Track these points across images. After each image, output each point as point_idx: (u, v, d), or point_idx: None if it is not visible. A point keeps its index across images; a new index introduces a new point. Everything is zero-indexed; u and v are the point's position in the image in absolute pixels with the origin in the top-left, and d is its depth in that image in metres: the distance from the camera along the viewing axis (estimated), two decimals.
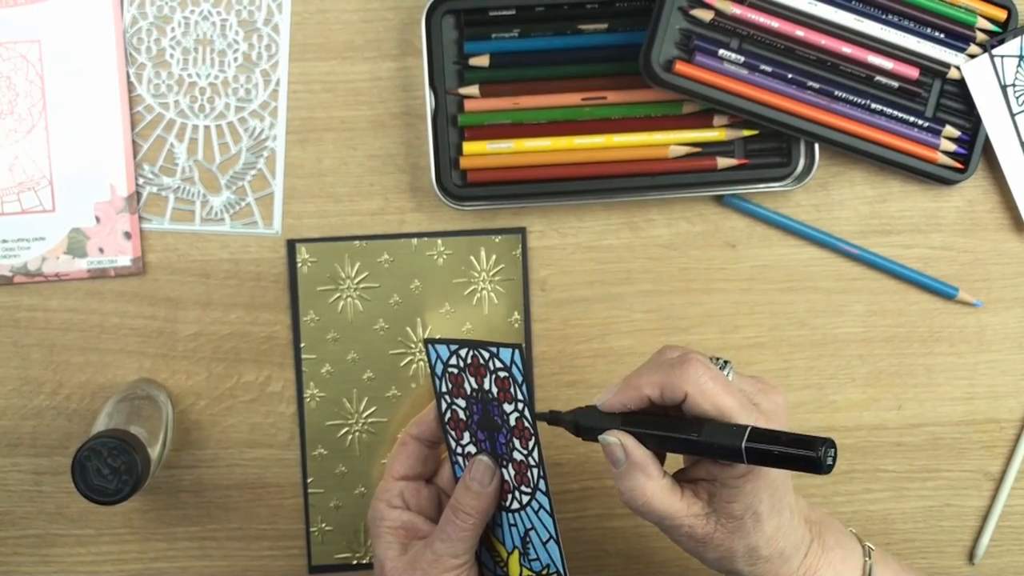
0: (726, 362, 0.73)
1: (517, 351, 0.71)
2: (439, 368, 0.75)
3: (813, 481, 0.93)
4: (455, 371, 0.74)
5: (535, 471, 0.73)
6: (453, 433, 0.76)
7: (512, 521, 0.76)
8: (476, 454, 0.76)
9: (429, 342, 0.75)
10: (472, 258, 0.91)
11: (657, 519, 0.71)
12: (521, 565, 0.77)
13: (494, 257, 0.91)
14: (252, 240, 0.90)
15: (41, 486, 0.91)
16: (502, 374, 0.72)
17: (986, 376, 0.94)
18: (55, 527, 0.92)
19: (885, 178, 0.92)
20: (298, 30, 0.89)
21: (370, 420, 0.92)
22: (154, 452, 0.82)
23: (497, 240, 0.91)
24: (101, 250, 0.89)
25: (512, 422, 0.73)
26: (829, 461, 0.64)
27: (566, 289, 0.92)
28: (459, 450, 0.77)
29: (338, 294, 0.91)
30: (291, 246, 0.90)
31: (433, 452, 0.80)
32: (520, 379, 0.71)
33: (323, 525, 0.92)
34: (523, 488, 0.74)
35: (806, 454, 0.65)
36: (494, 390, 0.73)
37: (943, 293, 0.92)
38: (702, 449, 0.68)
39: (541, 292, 0.92)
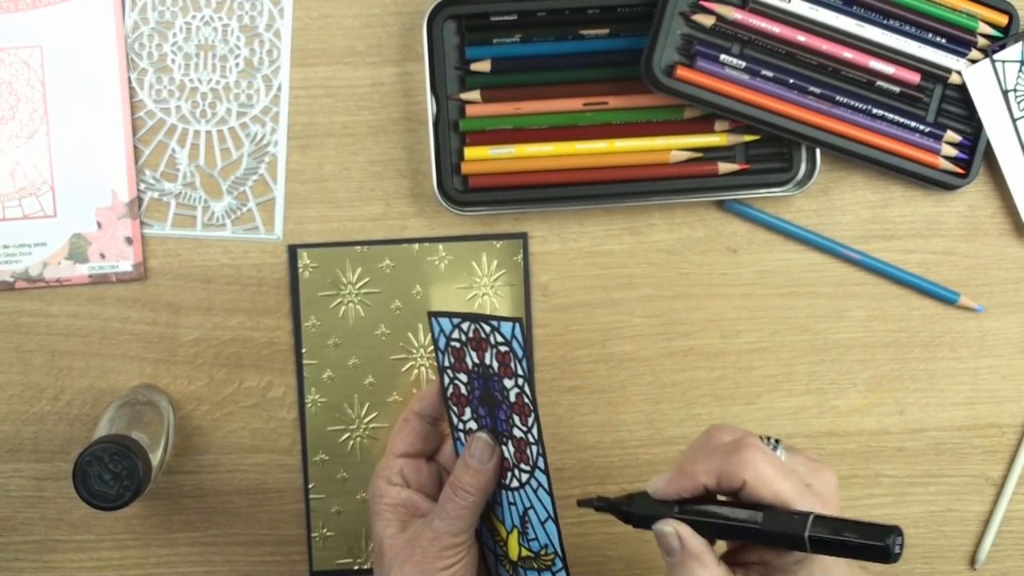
0: (777, 441, 0.72)
1: (517, 325, 0.70)
2: (442, 342, 0.75)
3: None
4: (457, 345, 0.74)
5: (534, 448, 0.73)
6: (455, 408, 0.76)
7: (511, 500, 0.76)
8: (476, 431, 0.76)
9: (433, 315, 0.75)
10: (473, 263, 0.91)
11: None
12: (520, 544, 0.77)
13: (495, 262, 0.91)
14: (253, 245, 0.90)
15: (42, 492, 0.91)
16: (503, 348, 0.72)
17: (988, 381, 0.94)
18: (56, 533, 0.92)
19: (886, 183, 0.92)
20: (300, 35, 0.89)
21: (371, 426, 0.92)
22: (155, 458, 0.82)
23: (498, 245, 0.91)
24: (102, 255, 0.89)
25: (512, 398, 0.73)
26: (897, 550, 0.63)
27: (567, 294, 0.92)
28: (460, 426, 0.77)
29: (339, 299, 0.91)
30: (292, 251, 0.90)
31: (435, 429, 0.80)
32: (520, 354, 0.71)
33: (324, 530, 0.92)
34: (522, 466, 0.74)
35: (873, 543, 0.64)
36: (495, 365, 0.73)
37: (944, 298, 0.92)
38: (763, 537, 0.67)
39: (542, 297, 0.92)
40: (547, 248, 0.91)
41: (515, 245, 0.91)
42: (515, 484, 0.75)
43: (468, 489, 0.75)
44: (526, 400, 0.72)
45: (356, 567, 0.93)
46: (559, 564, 0.76)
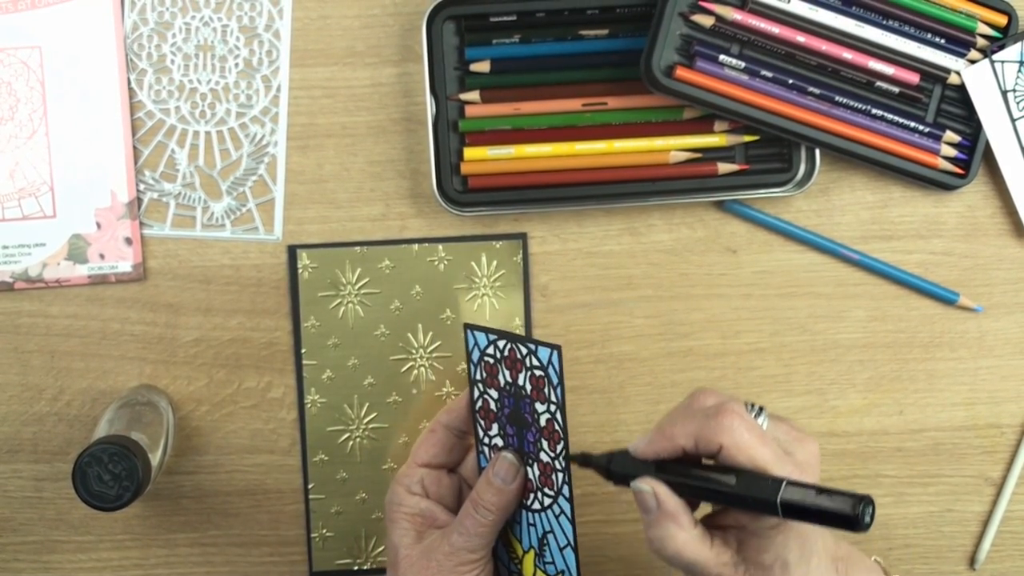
0: (761, 408, 0.72)
1: (556, 352, 0.70)
2: (475, 355, 0.74)
3: None
4: (491, 361, 0.74)
5: (560, 475, 0.73)
6: (482, 423, 0.76)
7: (531, 521, 0.76)
8: (502, 449, 0.76)
9: (469, 327, 0.75)
10: (473, 264, 0.91)
11: (686, 567, 0.70)
12: (536, 566, 0.77)
13: (495, 263, 0.91)
14: (253, 246, 0.90)
15: (42, 492, 0.91)
16: (538, 372, 0.72)
17: (987, 381, 0.94)
18: (56, 533, 0.92)
19: (886, 183, 0.92)
20: (299, 36, 0.89)
21: (371, 426, 0.92)
22: (155, 458, 0.82)
23: (498, 246, 0.91)
24: (102, 256, 0.89)
25: (543, 422, 0.73)
26: (867, 519, 0.63)
27: (567, 295, 0.92)
28: (486, 440, 0.77)
29: (339, 300, 0.91)
30: (292, 252, 0.90)
31: (460, 442, 0.80)
32: (556, 381, 0.71)
33: (324, 531, 0.92)
34: (546, 490, 0.74)
35: (843, 511, 0.63)
36: (528, 387, 0.73)
37: (944, 298, 0.92)
38: (736, 501, 0.67)
39: (542, 298, 0.92)
40: (547, 249, 0.91)
41: (515, 245, 0.91)
42: (537, 506, 0.75)
43: (489, 507, 0.75)
44: (557, 427, 0.72)
45: (356, 568, 0.93)
46: None
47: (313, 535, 0.92)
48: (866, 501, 0.63)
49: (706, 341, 0.92)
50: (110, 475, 0.77)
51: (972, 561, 0.95)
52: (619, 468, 0.72)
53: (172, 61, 0.89)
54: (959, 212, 0.93)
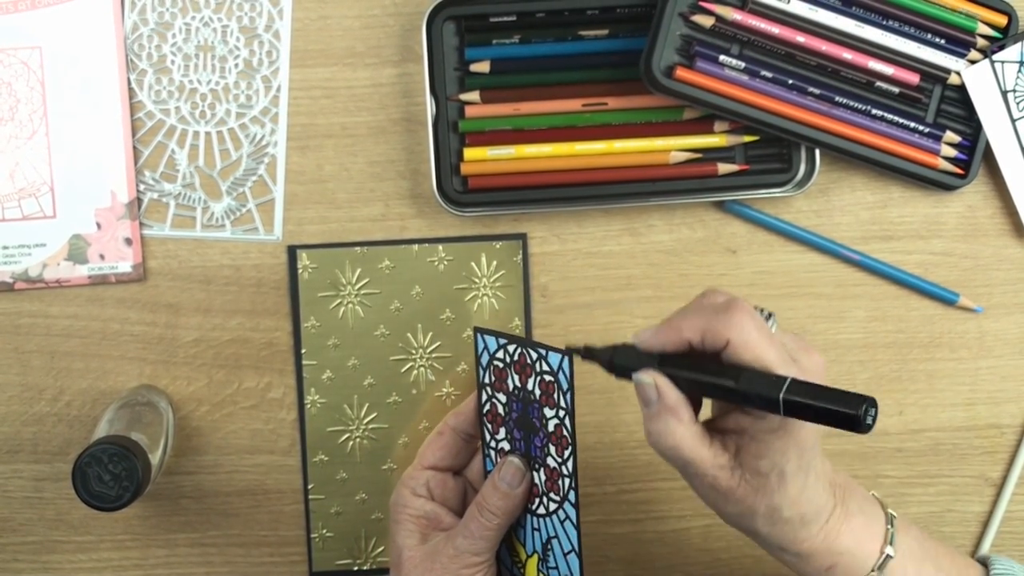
0: (770, 314, 0.71)
1: (567, 358, 0.70)
2: (485, 359, 0.74)
3: None
4: (500, 365, 0.74)
5: (567, 481, 0.73)
6: (490, 427, 0.76)
7: (536, 525, 0.76)
8: (508, 453, 0.76)
9: (479, 331, 0.75)
10: (473, 264, 0.91)
11: (682, 465, 0.69)
12: (539, 571, 0.77)
13: (495, 263, 0.91)
14: (253, 246, 0.90)
15: (42, 492, 0.91)
16: (548, 378, 0.72)
17: (987, 382, 0.94)
18: (56, 533, 0.92)
19: (886, 184, 0.92)
20: (299, 36, 0.89)
21: (371, 426, 0.92)
22: (155, 458, 0.82)
23: (498, 246, 0.91)
24: (102, 256, 0.89)
25: (551, 427, 0.73)
26: (869, 420, 0.62)
27: (567, 295, 0.92)
28: (493, 444, 0.77)
29: (339, 300, 0.91)
30: (292, 252, 0.90)
31: (467, 445, 0.80)
32: (566, 387, 0.71)
33: (324, 531, 0.92)
34: (552, 495, 0.74)
35: (846, 411, 0.62)
36: (537, 392, 0.73)
37: (944, 299, 0.92)
38: (739, 397, 0.66)
39: (542, 298, 0.92)
40: (546, 249, 0.91)
41: (514, 246, 0.91)
42: (542, 511, 0.75)
43: (494, 511, 0.75)
44: (565, 433, 0.72)
45: (355, 568, 0.93)
46: None
47: (313, 535, 0.92)
48: (869, 402, 0.62)
49: None
50: (110, 475, 0.77)
51: None
52: (621, 360, 0.71)
53: (172, 61, 0.89)
54: (959, 212, 0.93)
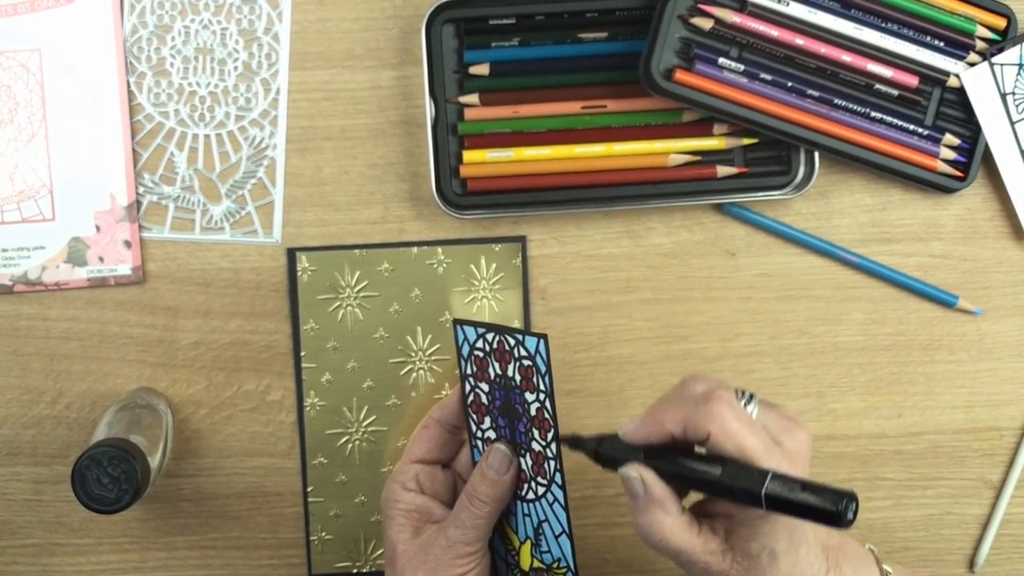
0: (751, 396, 0.72)
1: (543, 341, 0.71)
2: (465, 350, 0.75)
3: None
4: (481, 354, 0.74)
5: (552, 463, 0.74)
6: (475, 417, 0.77)
7: (527, 511, 0.76)
8: (495, 441, 0.76)
9: (458, 322, 0.75)
10: (472, 267, 0.91)
11: (673, 555, 0.70)
12: (532, 555, 0.77)
13: (494, 266, 0.91)
14: (252, 249, 0.90)
15: (41, 495, 0.91)
16: (526, 362, 0.72)
17: (986, 384, 0.94)
18: (55, 536, 0.92)
19: (885, 186, 0.92)
20: (298, 39, 0.89)
21: (370, 429, 0.92)
22: (154, 461, 0.82)
23: (497, 249, 0.91)
24: (101, 259, 0.89)
25: (533, 412, 0.73)
26: (850, 516, 0.63)
27: (566, 298, 0.92)
28: (479, 434, 0.77)
29: (338, 303, 0.91)
30: (291, 255, 0.90)
31: (454, 437, 0.80)
32: (544, 369, 0.72)
33: (323, 534, 0.92)
34: (540, 479, 0.74)
35: (825, 507, 0.63)
36: (517, 378, 0.73)
37: (943, 301, 0.92)
38: (722, 491, 0.67)
39: (541, 301, 0.92)
40: (546, 251, 0.91)
41: (514, 248, 0.91)
42: (531, 496, 0.76)
43: (484, 499, 0.75)
44: (546, 415, 0.73)
45: (355, 571, 0.93)
46: None
47: (312, 538, 0.92)
48: (849, 497, 0.63)
49: (705, 344, 0.92)
50: (109, 478, 0.77)
51: (971, 564, 0.95)
52: (608, 452, 0.72)
53: (171, 64, 0.89)
54: (958, 215, 0.93)
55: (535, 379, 0.73)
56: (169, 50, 0.89)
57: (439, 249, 0.91)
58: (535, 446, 0.74)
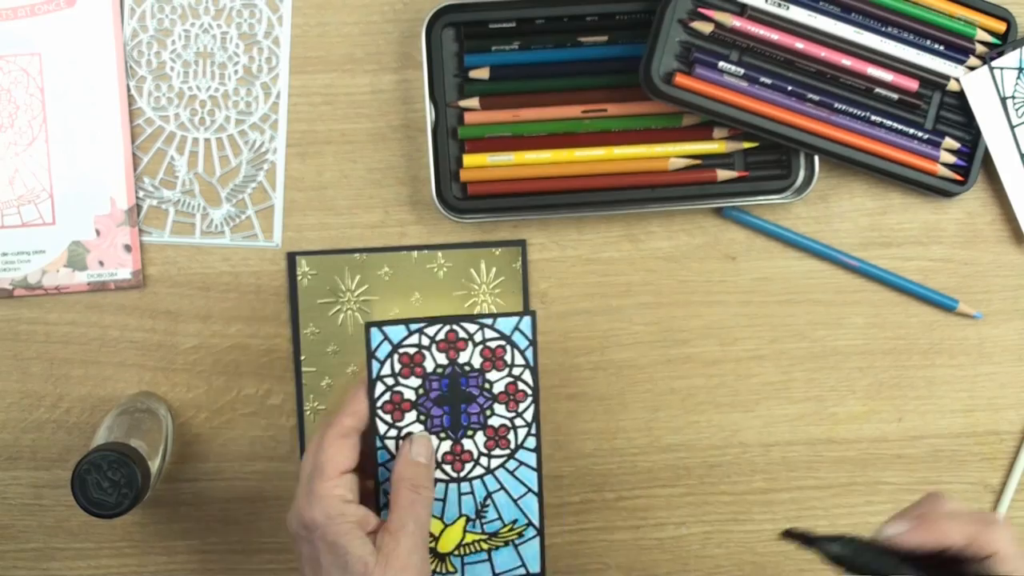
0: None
1: (524, 318, 0.76)
2: (383, 351, 0.77)
3: (813, 493, 0.93)
4: (413, 351, 0.76)
5: (521, 432, 0.77)
6: (388, 416, 0.77)
7: (465, 490, 0.78)
8: (418, 432, 0.77)
9: (375, 325, 0.76)
10: (472, 270, 0.91)
11: None
12: (465, 531, 0.78)
13: (494, 270, 0.91)
14: (252, 253, 0.90)
15: (41, 499, 0.91)
16: (494, 344, 0.76)
17: (986, 388, 0.94)
18: (55, 541, 0.92)
19: (885, 190, 0.92)
20: (298, 43, 0.89)
21: None
22: (154, 465, 0.82)
23: (497, 252, 0.91)
24: (101, 263, 0.89)
25: (498, 389, 0.77)
26: None
27: (566, 301, 0.92)
28: (392, 433, 0.78)
29: (338, 307, 0.91)
30: (291, 259, 0.90)
31: (359, 443, 0.78)
32: (524, 345, 0.76)
33: None
34: (496, 452, 0.77)
35: None
36: (477, 361, 0.76)
37: (943, 305, 0.92)
38: None
39: (541, 304, 0.91)
40: (546, 255, 0.91)
41: (514, 252, 0.91)
42: (478, 472, 0.77)
43: (428, 485, 0.75)
44: (522, 387, 0.76)
45: None
46: (531, 532, 0.78)
47: None
48: None
49: (705, 348, 0.92)
50: (109, 482, 0.77)
51: None
52: (862, 559, 0.67)
53: (171, 68, 0.89)
54: (958, 219, 0.93)
55: (509, 356, 0.76)
56: (169, 54, 0.89)
57: (439, 253, 0.91)
58: (495, 421, 0.77)
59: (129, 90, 0.89)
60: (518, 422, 0.77)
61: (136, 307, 0.90)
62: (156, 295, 0.90)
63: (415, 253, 0.91)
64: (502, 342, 0.76)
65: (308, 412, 0.91)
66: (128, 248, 0.89)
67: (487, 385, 0.77)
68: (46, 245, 0.89)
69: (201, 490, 0.92)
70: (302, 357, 0.91)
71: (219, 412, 0.91)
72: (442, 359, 0.77)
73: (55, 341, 0.90)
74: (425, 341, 0.76)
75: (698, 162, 0.90)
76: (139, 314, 0.90)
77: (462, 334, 0.76)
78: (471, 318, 0.76)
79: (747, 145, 0.90)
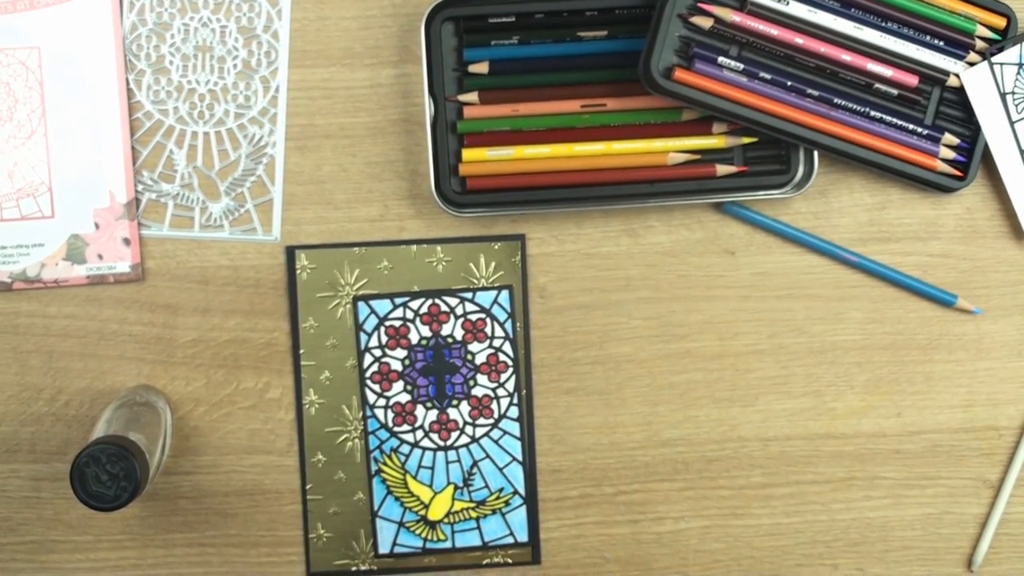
0: None
1: (503, 292, 0.79)
2: (371, 324, 0.79)
3: (812, 488, 0.93)
4: (398, 323, 0.79)
5: (504, 401, 0.80)
6: (376, 387, 0.79)
7: (452, 459, 0.80)
8: (408, 401, 0.79)
9: (361, 299, 0.78)
10: (471, 265, 0.91)
11: None
12: (453, 499, 0.80)
13: (493, 264, 0.91)
14: (251, 246, 0.90)
15: (40, 492, 0.91)
16: (474, 316, 0.79)
17: (985, 383, 0.94)
18: (54, 533, 0.92)
19: (884, 186, 0.92)
20: (297, 37, 0.89)
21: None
22: (153, 458, 0.82)
23: (496, 247, 0.91)
24: (100, 256, 0.89)
25: (480, 360, 0.80)
26: None
27: (565, 296, 0.92)
28: (380, 402, 0.80)
29: (337, 300, 0.91)
30: (290, 252, 0.90)
31: None
32: (504, 317, 0.79)
33: (322, 531, 0.92)
34: (480, 420, 0.80)
35: None
36: (458, 333, 0.79)
37: (942, 300, 0.92)
38: None
39: (540, 299, 0.91)
40: (545, 250, 0.91)
41: (513, 247, 0.91)
42: (463, 441, 0.79)
43: None
44: (502, 358, 0.80)
45: (353, 568, 0.93)
46: (518, 501, 0.80)
47: (311, 535, 0.92)
48: None
49: (704, 343, 0.92)
50: (108, 475, 0.77)
51: (970, 563, 0.95)
52: None
53: (171, 62, 0.89)
54: (957, 214, 0.93)
55: (489, 328, 0.80)
56: (168, 48, 0.89)
57: (438, 247, 0.91)
58: (478, 391, 0.80)
59: (128, 84, 0.89)
60: (500, 392, 0.80)
61: (135, 300, 0.90)
62: (155, 288, 0.90)
63: (414, 247, 0.91)
64: (482, 315, 0.79)
65: (307, 406, 0.91)
66: (127, 241, 0.89)
67: (469, 356, 0.80)
68: (45, 238, 0.89)
69: (200, 483, 0.92)
70: (301, 351, 0.91)
71: (218, 405, 0.91)
72: (426, 331, 0.80)
73: (54, 334, 0.90)
74: (409, 314, 0.80)
75: (697, 157, 0.90)
76: (138, 307, 0.90)
77: (444, 307, 0.80)
78: (452, 292, 0.78)
79: (746, 140, 0.90)
